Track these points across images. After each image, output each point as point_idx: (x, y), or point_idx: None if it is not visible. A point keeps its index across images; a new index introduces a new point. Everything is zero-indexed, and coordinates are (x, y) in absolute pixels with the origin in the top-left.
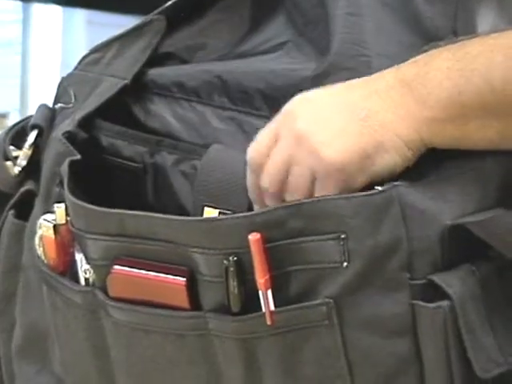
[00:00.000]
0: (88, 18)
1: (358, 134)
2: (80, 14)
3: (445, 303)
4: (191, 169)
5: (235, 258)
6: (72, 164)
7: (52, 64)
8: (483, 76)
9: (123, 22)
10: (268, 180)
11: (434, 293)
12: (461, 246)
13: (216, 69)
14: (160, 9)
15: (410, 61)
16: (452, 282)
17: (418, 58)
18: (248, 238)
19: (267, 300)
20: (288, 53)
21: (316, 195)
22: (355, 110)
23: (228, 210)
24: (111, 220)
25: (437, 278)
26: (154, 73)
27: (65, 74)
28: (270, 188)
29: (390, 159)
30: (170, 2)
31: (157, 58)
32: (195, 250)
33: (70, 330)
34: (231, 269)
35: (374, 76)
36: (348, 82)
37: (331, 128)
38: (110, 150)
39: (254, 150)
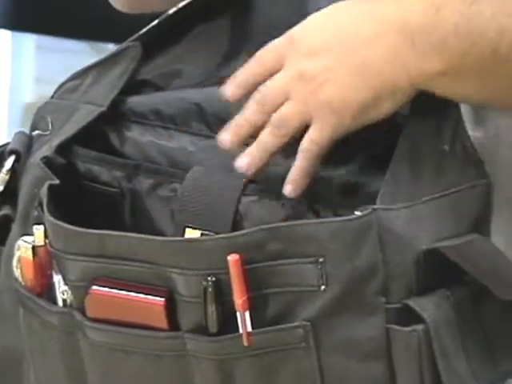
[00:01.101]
0: (37, 43)
1: (356, 87)
2: (29, 39)
3: (419, 327)
4: (170, 192)
5: (213, 279)
6: (51, 188)
7: (0, 88)
8: (491, 42)
9: (73, 48)
10: (265, 100)
11: (409, 317)
12: (436, 271)
13: (194, 96)
14: (136, 35)
15: None
16: (427, 306)
17: None
18: (227, 258)
19: (244, 321)
20: None
21: (310, 134)
22: (356, 55)
23: (210, 231)
24: (91, 240)
25: (412, 302)
26: (131, 101)
27: (13, 98)
28: (264, 107)
29: (384, 108)
30: (145, 29)
31: (133, 86)
32: (174, 270)
33: (46, 352)
34: (209, 289)
35: (382, 12)
36: (358, 11)
37: (334, 74)
38: (88, 175)
39: (254, 67)
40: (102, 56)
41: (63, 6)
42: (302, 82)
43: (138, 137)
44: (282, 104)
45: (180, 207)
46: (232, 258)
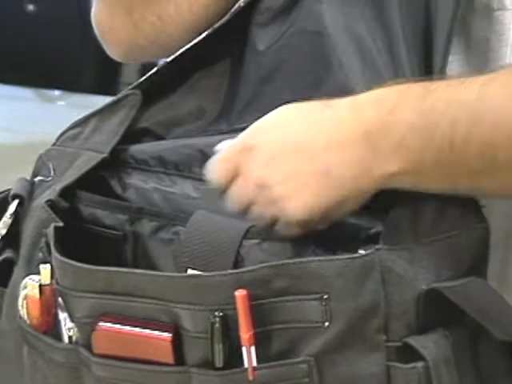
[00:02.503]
0: None
1: (318, 193)
2: None
3: (419, 364)
4: (173, 235)
5: (221, 314)
6: (56, 229)
7: None
8: (446, 135)
9: (19, 94)
10: (234, 206)
11: (409, 355)
12: (435, 311)
13: (197, 143)
14: (135, 83)
15: (373, 100)
16: (426, 344)
17: (383, 98)
18: (234, 294)
19: (250, 356)
20: None
21: (279, 228)
22: (317, 163)
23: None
24: (99, 277)
25: (412, 341)
26: (133, 148)
27: None
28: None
29: (349, 208)
30: (145, 77)
31: (134, 133)
32: (181, 306)
33: None
34: (217, 325)
35: (336, 120)
36: (314, 119)
37: (293, 181)
38: (91, 219)
39: (214, 180)
40: (47, 103)
41: (8, 54)
42: (264, 191)
43: (140, 183)
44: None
45: (182, 249)
46: (239, 294)
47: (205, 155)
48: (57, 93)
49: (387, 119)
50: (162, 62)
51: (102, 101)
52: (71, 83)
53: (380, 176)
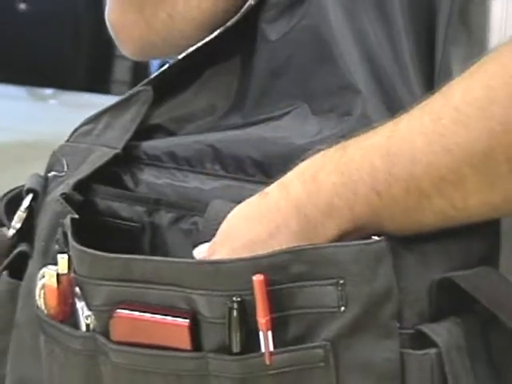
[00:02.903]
0: None
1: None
2: None
3: (432, 351)
4: (192, 225)
5: (239, 299)
6: (72, 220)
7: None
8: (368, 186)
9: (10, 93)
10: None
11: (422, 342)
12: (447, 299)
13: (208, 138)
14: (147, 80)
15: (297, 173)
16: (439, 331)
17: (305, 168)
18: (252, 279)
19: (267, 340)
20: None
21: None
22: (265, 249)
23: None
24: (117, 265)
25: (424, 328)
26: (145, 144)
27: None
28: None
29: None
30: (156, 73)
31: (146, 129)
32: (199, 292)
33: (67, 379)
34: (234, 310)
35: (269, 206)
36: (254, 215)
37: None
38: (107, 212)
39: None
40: (39, 101)
41: (0, 53)
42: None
43: (152, 179)
44: None
45: (201, 239)
46: (257, 279)
47: (216, 150)
48: (49, 91)
49: (312, 188)
50: (154, 61)
51: (94, 99)
52: (63, 81)
53: (327, 240)
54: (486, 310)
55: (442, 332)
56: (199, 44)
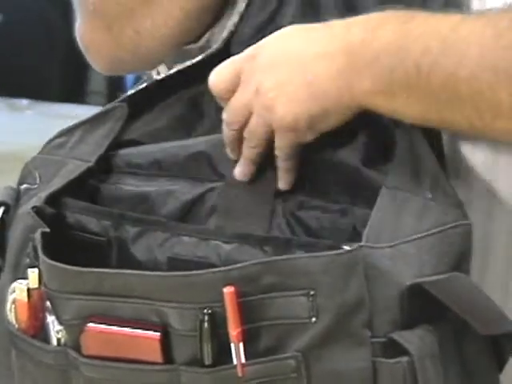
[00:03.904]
0: None
1: (305, 101)
2: None
3: (404, 359)
4: (154, 240)
5: (209, 311)
6: (43, 234)
7: None
8: (415, 60)
9: None
10: (231, 118)
11: (394, 351)
12: (420, 307)
13: (185, 144)
14: (123, 96)
15: (363, 20)
16: (411, 339)
17: (371, 19)
18: (223, 291)
19: (239, 352)
20: None
21: (276, 142)
22: (305, 72)
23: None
24: (87, 279)
25: (396, 336)
26: (123, 153)
27: None
28: (232, 125)
29: (334, 120)
30: (132, 91)
31: (120, 145)
32: (170, 304)
33: None
34: (205, 322)
35: (330, 36)
36: (312, 35)
37: (283, 88)
38: (77, 225)
39: (217, 82)
40: (15, 112)
41: None
42: (259, 96)
43: (131, 187)
44: (248, 117)
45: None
46: (227, 290)
47: (195, 155)
48: (25, 102)
49: (367, 37)
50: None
51: (69, 109)
52: (39, 92)
53: (358, 92)
54: (458, 317)
55: (414, 340)
56: (176, 69)
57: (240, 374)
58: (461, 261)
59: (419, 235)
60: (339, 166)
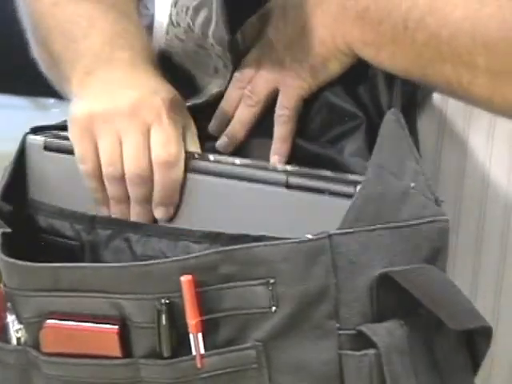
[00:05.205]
0: None
1: (305, 51)
2: None
3: (371, 352)
4: (124, 242)
5: (167, 301)
6: (4, 235)
7: None
8: (402, 15)
9: (14, 103)
10: (238, 78)
11: (363, 344)
12: (391, 299)
13: None
14: None
15: None
16: (379, 332)
17: None
18: (180, 279)
19: (198, 343)
20: None
21: (280, 99)
22: (301, 21)
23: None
24: (45, 275)
25: (364, 328)
26: None
27: None
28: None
29: (334, 67)
30: None
31: None
32: (128, 296)
33: None
34: (163, 312)
35: None
36: None
37: (286, 40)
38: (50, 229)
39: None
40: (42, 110)
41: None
42: (269, 51)
43: None
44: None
45: None
46: (185, 279)
47: None
48: (51, 101)
49: None
50: None
51: None
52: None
53: (350, 40)
54: (431, 313)
55: (382, 333)
56: None
57: (199, 365)
58: (436, 256)
59: (395, 224)
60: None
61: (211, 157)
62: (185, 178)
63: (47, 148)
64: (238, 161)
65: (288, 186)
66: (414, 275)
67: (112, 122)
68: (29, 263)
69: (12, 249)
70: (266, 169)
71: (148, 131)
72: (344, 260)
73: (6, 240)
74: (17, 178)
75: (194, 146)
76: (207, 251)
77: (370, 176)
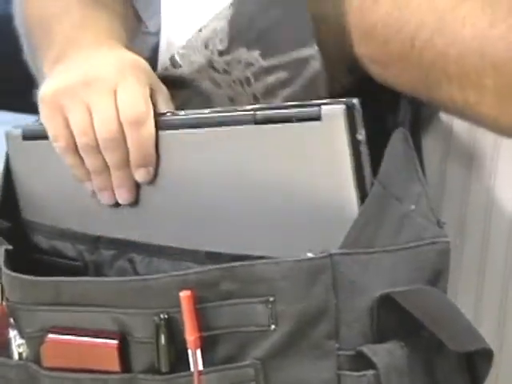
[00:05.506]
0: None
1: None
2: None
3: (370, 372)
4: (128, 263)
5: (166, 316)
6: (7, 252)
7: None
8: (410, 32)
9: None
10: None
11: (363, 364)
12: (392, 320)
13: None
14: None
15: None
16: (378, 353)
17: None
18: (179, 295)
19: (196, 359)
20: None
21: None
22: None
23: None
24: (46, 288)
25: (364, 348)
26: None
27: None
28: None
29: (346, 82)
30: None
31: None
32: (128, 311)
33: None
34: (162, 327)
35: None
36: None
37: None
38: (52, 251)
39: None
40: None
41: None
42: None
43: None
44: None
45: None
46: (184, 294)
47: None
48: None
49: (368, 6)
50: None
51: None
52: None
53: (359, 56)
54: (432, 335)
55: (382, 353)
56: None
57: (196, 382)
58: (437, 278)
59: (396, 247)
60: None
61: (181, 112)
62: (157, 136)
63: (26, 137)
64: (207, 110)
65: (256, 121)
66: (415, 296)
67: (77, 94)
68: (31, 277)
69: (14, 265)
70: (234, 110)
71: (114, 93)
72: (344, 280)
73: (8, 256)
74: (8, 197)
75: (168, 108)
76: (208, 267)
77: (373, 196)
